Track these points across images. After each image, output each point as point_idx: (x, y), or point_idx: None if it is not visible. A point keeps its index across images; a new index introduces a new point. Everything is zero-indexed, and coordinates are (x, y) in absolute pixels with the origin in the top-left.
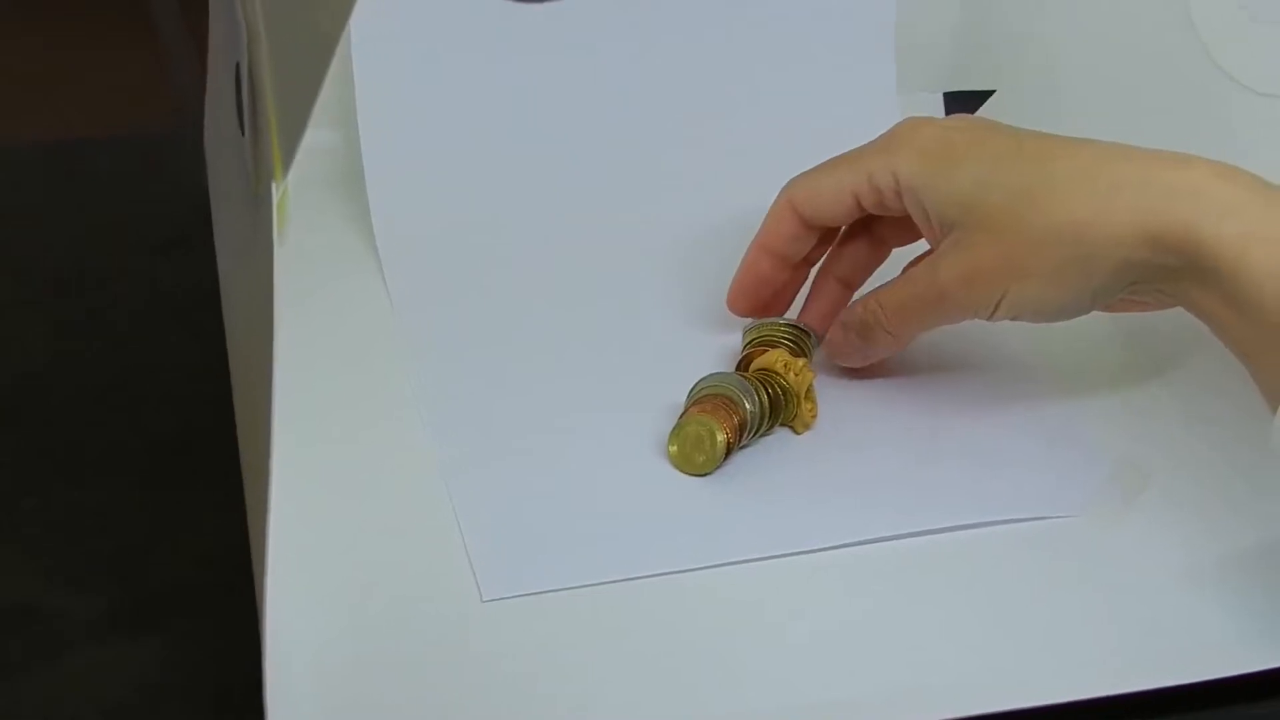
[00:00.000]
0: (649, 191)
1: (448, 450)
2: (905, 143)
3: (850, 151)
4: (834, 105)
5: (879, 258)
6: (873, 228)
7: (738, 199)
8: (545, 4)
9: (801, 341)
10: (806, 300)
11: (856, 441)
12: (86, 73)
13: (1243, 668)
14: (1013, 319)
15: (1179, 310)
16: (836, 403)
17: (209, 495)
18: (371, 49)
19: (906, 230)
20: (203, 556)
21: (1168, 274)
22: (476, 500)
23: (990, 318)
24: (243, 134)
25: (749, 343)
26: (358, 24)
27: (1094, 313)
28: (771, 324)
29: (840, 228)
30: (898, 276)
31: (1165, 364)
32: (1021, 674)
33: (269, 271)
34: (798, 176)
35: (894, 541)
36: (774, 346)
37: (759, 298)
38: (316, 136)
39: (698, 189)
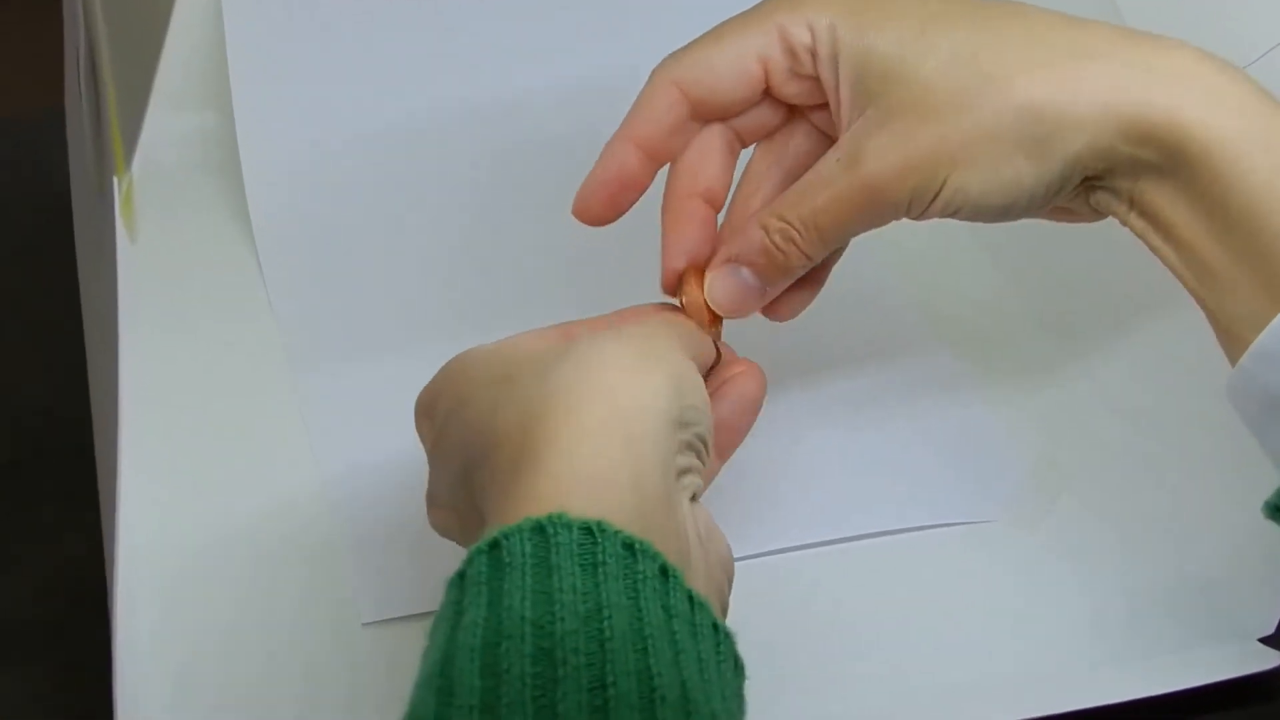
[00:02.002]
0: (535, 167)
1: (331, 465)
2: None
3: (751, 9)
4: None
5: (734, 162)
6: (737, 120)
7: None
8: None
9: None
10: (665, 233)
11: (765, 445)
12: None
13: (1163, 687)
14: (949, 216)
15: (1098, 299)
16: None
17: (58, 520)
18: (245, 26)
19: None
20: (49, 584)
21: (1131, 169)
22: (359, 521)
23: (921, 216)
24: (86, 124)
25: None
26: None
27: (1012, 301)
28: None
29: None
30: (799, 182)
31: (1086, 357)
32: (934, 694)
33: (113, 274)
34: (678, 51)
35: (801, 551)
36: None
37: (619, 202)
38: (189, 119)
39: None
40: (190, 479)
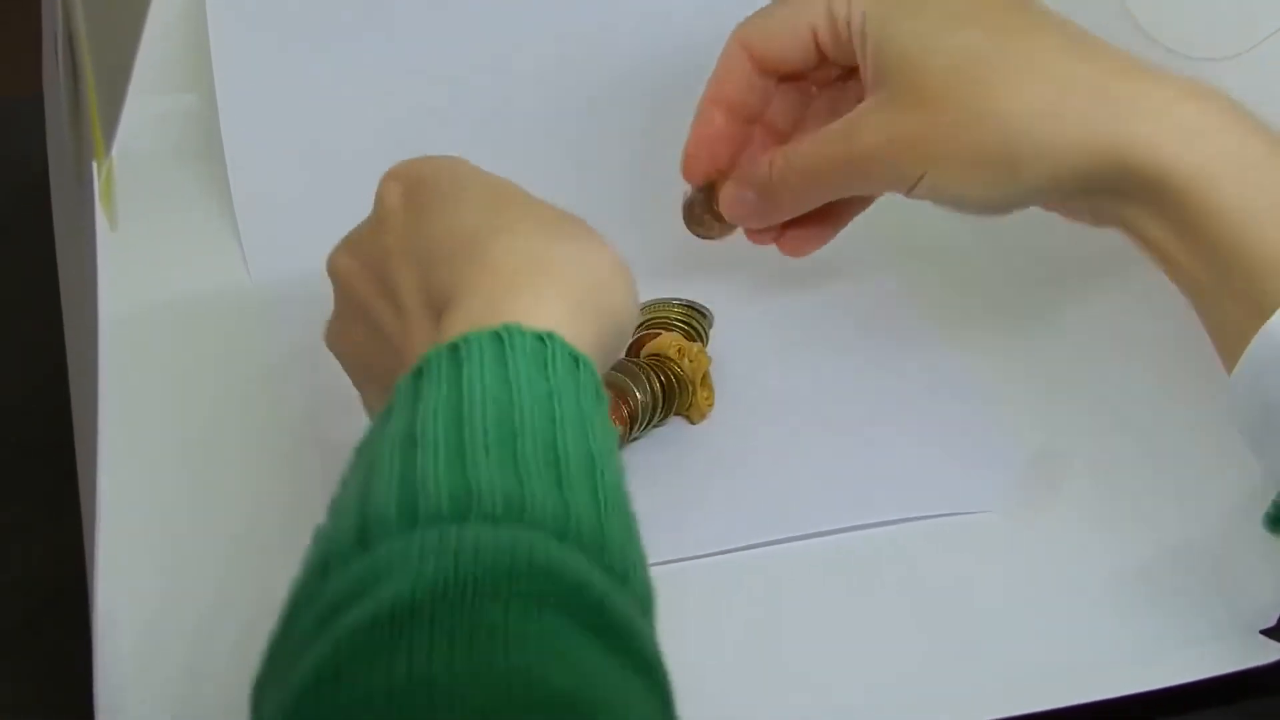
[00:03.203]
0: (526, 146)
1: (324, 451)
2: None
3: None
4: None
5: (800, 108)
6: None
7: (649, 137)
8: None
9: (696, 324)
10: (694, 125)
11: (757, 434)
12: None
13: (1163, 681)
14: (934, 203)
15: (1103, 289)
16: (734, 389)
17: (34, 515)
18: (227, 7)
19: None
20: (25, 581)
21: (1112, 195)
22: None
23: (907, 195)
24: (64, 110)
25: (640, 324)
26: None
27: (1008, 292)
28: (663, 304)
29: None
30: (810, 135)
31: (1088, 347)
32: (930, 690)
33: (93, 261)
34: (750, 17)
35: (800, 542)
36: (666, 330)
37: (717, 158)
38: (169, 102)
39: (606, 136)
40: (172, 471)
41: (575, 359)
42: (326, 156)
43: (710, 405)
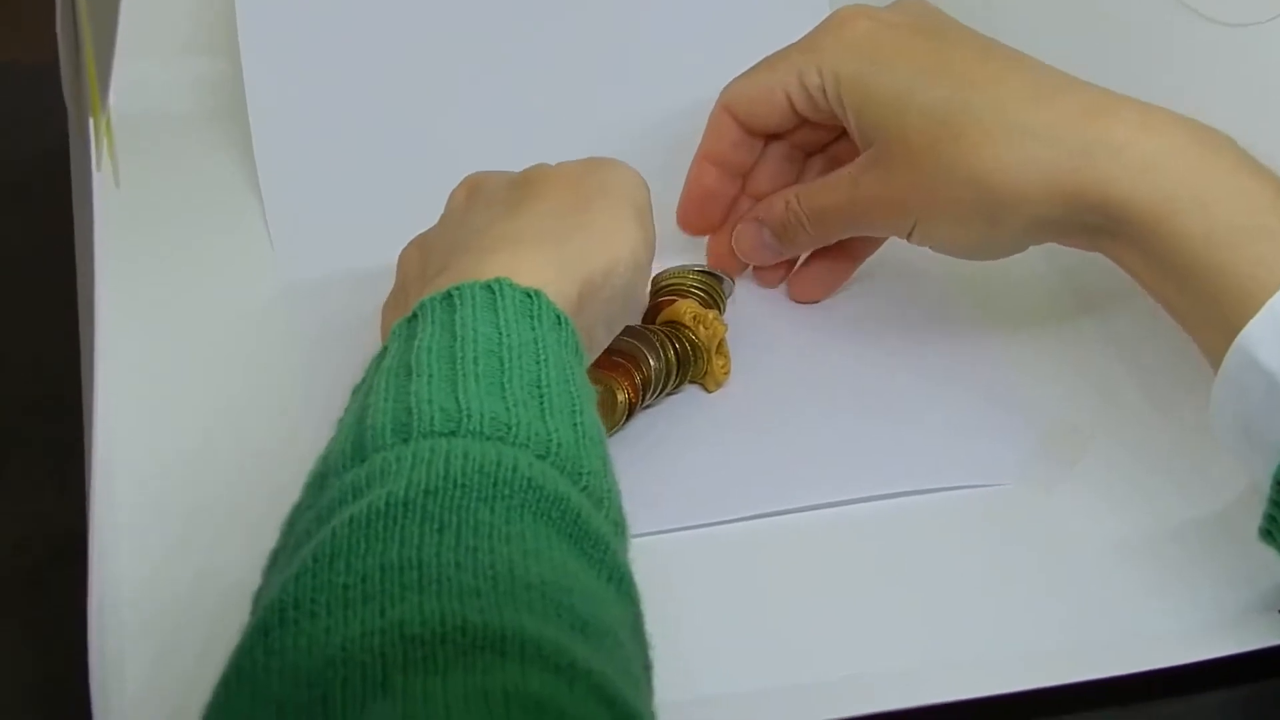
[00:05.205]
0: (549, 110)
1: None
2: (834, 38)
3: (782, 49)
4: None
5: (792, 165)
6: (793, 135)
7: (663, 114)
8: None
9: (713, 290)
10: (687, 181)
11: (773, 402)
12: None
13: (1177, 659)
14: (929, 248)
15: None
16: (750, 357)
17: (38, 472)
18: None
19: (834, 138)
20: (26, 538)
21: (1087, 230)
22: None
23: (908, 240)
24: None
25: (655, 291)
26: None
27: (1035, 262)
28: (681, 271)
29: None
30: (821, 179)
31: (1109, 316)
32: (953, 662)
33: (89, 218)
34: (733, 80)
35: (813, 512)
36: (682, 296)
37: (710, 214)
38: (199, 64)
39: (619, 108)
40: (171, 428)
41: (558, 317)
42: (351, 117)
43: (726, 374)
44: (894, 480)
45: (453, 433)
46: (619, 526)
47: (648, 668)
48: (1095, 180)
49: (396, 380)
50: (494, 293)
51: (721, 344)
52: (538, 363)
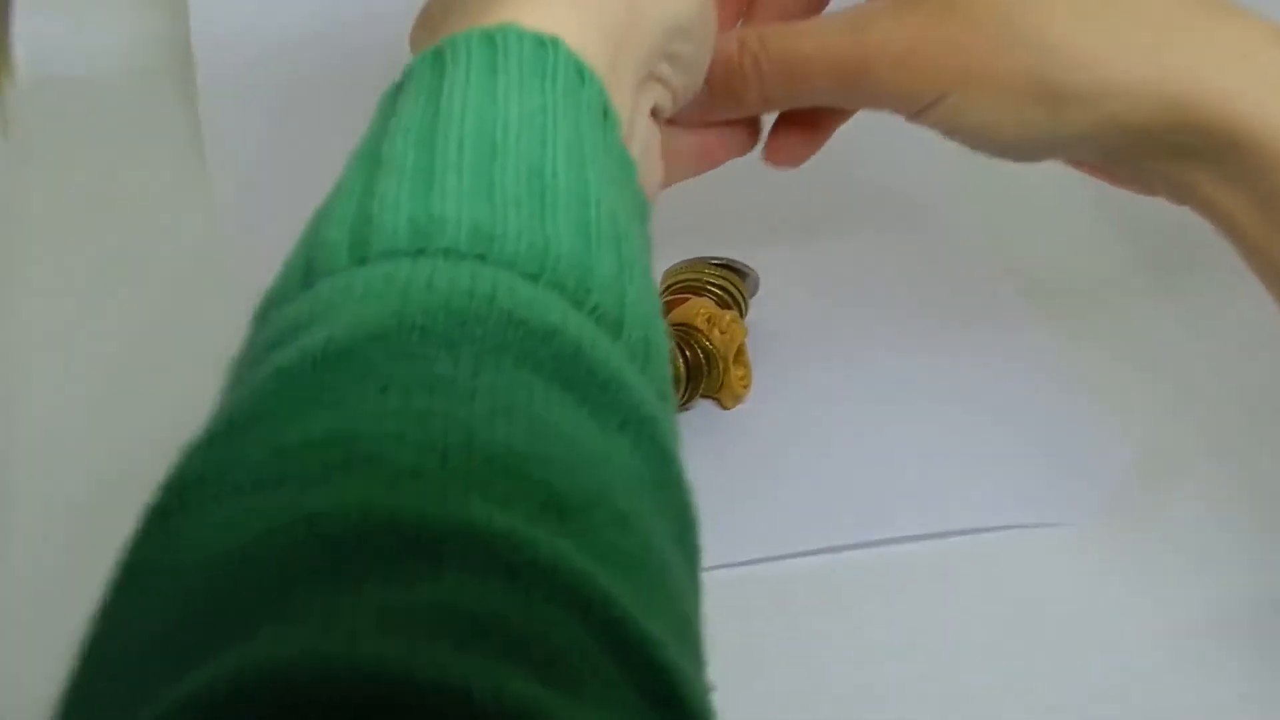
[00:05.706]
0: None
1: None
2: None
3: None
4: None
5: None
6: None
7: None
8: None
9: (732, 287)
10: None
11: (801, 422)
12: None
13: None
14: (944, 133)
15: (1218, 259)
16: (774, 367)
17: None
18: None
19: None
20: None
21: (1171, 153)
22: None
23: (913, 119)
24: None
25: (666, 288)
26: None
27: (1115, 263)
28: (697, 263)
29: None
30: (806, 20)
31: (1218, 346)
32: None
33: None
34: None
35: (849, 553)
36: (696, 294)
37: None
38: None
39: None
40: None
41: (580, 72)
42: (300, 78)
43: (746, 387)
44: (940, 518)
45: (420, 250)
46: (643, 350)
47: (684, 535)
48: (1208, 90)
49: (363, 175)
50: (496, 46)
51: (740, 351)
52: (543, 144)
